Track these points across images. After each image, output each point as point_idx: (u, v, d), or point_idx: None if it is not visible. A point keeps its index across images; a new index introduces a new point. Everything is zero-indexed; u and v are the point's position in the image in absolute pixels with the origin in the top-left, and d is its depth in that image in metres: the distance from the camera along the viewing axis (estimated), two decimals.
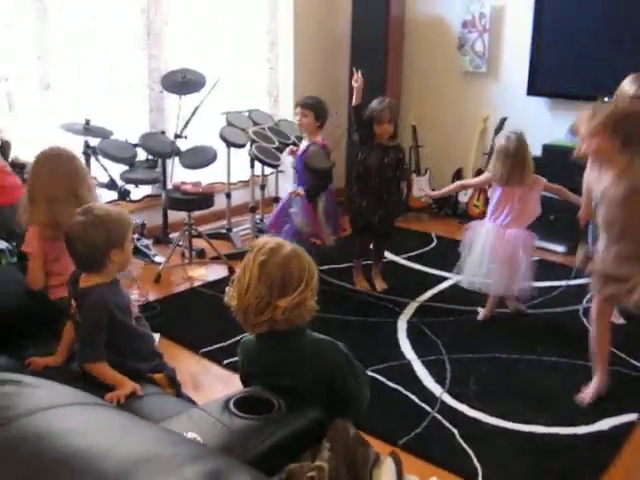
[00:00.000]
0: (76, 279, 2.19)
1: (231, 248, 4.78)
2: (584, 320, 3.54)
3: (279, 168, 5.03)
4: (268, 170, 5.15)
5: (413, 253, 4.76)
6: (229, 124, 4.83)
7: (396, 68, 5.77)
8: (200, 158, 4.56)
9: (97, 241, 2.10)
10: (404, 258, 4.65)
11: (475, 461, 2.50)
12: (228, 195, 4.93)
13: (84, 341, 2.11)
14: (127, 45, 4.65)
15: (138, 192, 4.65)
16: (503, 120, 5.29)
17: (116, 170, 4.29)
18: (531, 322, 3.73)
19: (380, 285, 4.12)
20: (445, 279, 4.28)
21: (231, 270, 4.26)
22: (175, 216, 4.75)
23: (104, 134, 4.23)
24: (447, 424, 2.73)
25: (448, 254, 4.71)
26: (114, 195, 4.33)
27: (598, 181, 2.78)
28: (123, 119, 4.60)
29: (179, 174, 4.69)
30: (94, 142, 4.20)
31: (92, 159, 4.20)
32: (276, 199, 5.07)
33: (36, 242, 2.58)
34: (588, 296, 3.38)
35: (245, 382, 1.96)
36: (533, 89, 5.16)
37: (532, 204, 3.57)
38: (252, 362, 1.91)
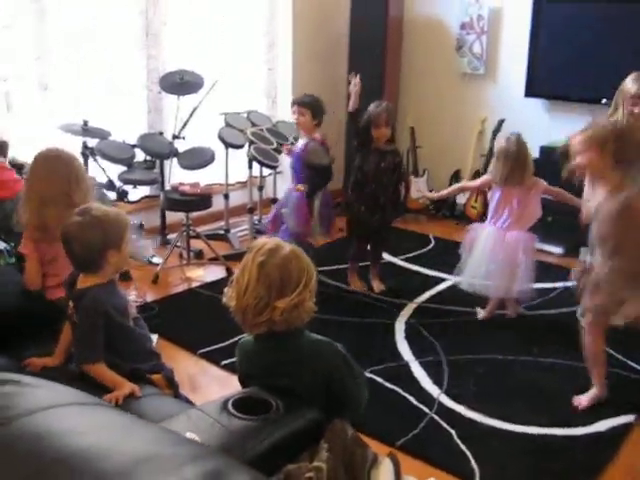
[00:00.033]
0: (73, 280, 2.20)
1: (229, 249, 4.78)
2: (581, 321, 3.54)
3: (277, 169, 5.03)
4: (266, 171, 5.16)
5: (411, 254, 4.77)
6: (227, 125, 4.83)
7: (394, 69, 5.78)
8: (198, 159, 4.56)
9: (93, 242, 2.10)
10: (402, 259, 4.66)
11: (473, 462, 2.50)
12: (226, 196, 4.93)
13: (82, 342, 2.11)
14: (125, 46, 4.64)
15: (136, 193, 4.65)
16: (501, 122, 5.30)
17: (114, 171, 4.29)
18: (528, 323, 3.73)
19: (378, 286, 4.12)
20: (443, 280, 4.28)
21: (229, 271, 4.27)
22: (173, 217, 4.75)
23: (102, 135, 4.23)
24: (445, 425, 2.74)
25: (446, 255, 4.73)
26: (112, 196, 4.32)
27: (592, 197, 2.79)
28: (121, 120, 4.60)
29: (177, 175, 4.69)
30: (92, 143, 4.20)
31: (90, 160, 4.20)
32: (274, 200, 5.07)
33: (30, 243, 2.58)
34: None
35: (243, 383, 1.96)
36: (531, 91, 5.18)
37: (532, 207, 3.58)
38: (250, 363, 1.91)
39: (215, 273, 4.36)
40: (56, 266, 2.57)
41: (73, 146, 3.74)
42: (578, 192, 3.07)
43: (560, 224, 4.33)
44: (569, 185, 3.04)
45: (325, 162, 3.91)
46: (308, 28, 5.66)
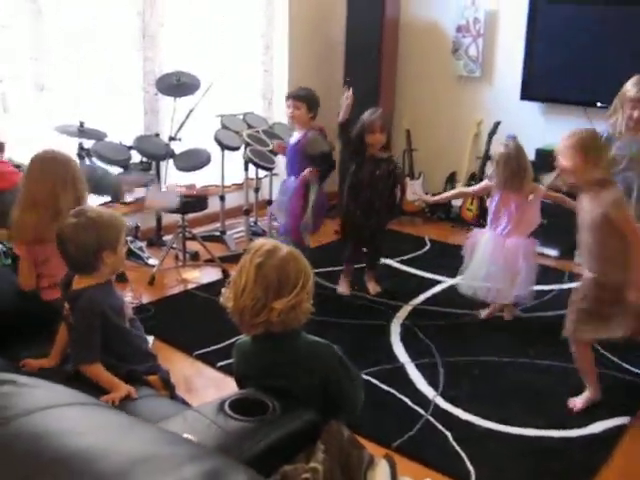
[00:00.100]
0: (69, 281, 2.20)
1: (225, 251, 4.78)
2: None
3: (273, 171, 5.03)
4: (262, 173, 5.15)
5: (406, 257, 4.77)
6: (223, 127, 4.83)
7: (390, 72, 5.79)
8: (194, 161, 4.56)
9: (88, 243, 2.10)
10: (397, 261, 4.66)
11: (468, 464, 2.51)
12: (222, 198, 4.93)
13: (78, 343, 2.11)
14: (122, 47, 4.65)
15: (132, 194, 4.64)
16: (497, 124, 5.31)
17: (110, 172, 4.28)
18: (524, 325, 3.74)
19: (373, 288, 4.12)
20: (438, 282, 4.29)
21: (225, 273, 4.26)
22: (169, 218, 4.75)
23: (98, 136, 4.23)
24: (440, 427, 2.74)
25: (441, 258, 4.75)
26: (108, 197, 4.31)
27: (579, 205, 2.80)
28: (117, 121, 4.60)
29: (173, 176, 4.70)
30: (88, 144, 4.19)
31: (86, 161, 4.19)
32: (270, 202, 5.08)
33: (23, 244, 2.59)
34: None
35: (240, 383, 1.96)
36: (526, 94, 5.20)
37: (532, 213, 3.60)
38: (247, 363, 1.92)
39: (211, 275, 4.36)
40: (50, 267, 2.57)
41: (69, 147, 3.74)
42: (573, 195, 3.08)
43: (556, 227, 4.34)
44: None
45: (326, 149, 3.89)
46: (305, 30, 5.67)
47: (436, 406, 2.90)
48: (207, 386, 3.11)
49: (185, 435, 1.46)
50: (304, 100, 3.91)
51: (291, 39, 5.58)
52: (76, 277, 2.18)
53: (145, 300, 3.90)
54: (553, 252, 4.76)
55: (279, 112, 5.56)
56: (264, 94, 5.69)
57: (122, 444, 0.98)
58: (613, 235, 2.66)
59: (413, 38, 5.80)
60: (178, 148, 4.60)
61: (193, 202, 4.30)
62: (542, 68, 5.09)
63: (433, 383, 3.08)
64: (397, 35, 5.80)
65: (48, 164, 2.58)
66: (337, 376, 1.82)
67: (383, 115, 3.86)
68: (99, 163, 4.19)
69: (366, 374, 3.07)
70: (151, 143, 4.58)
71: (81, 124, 4.12)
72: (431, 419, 2.80)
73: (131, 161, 4.39)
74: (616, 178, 3.02)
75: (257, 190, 5.13)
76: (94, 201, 3.69)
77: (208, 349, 3.34)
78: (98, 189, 3.62)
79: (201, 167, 4.55)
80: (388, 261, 4.59)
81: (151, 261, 4.45)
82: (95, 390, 1.96)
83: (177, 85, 4.55)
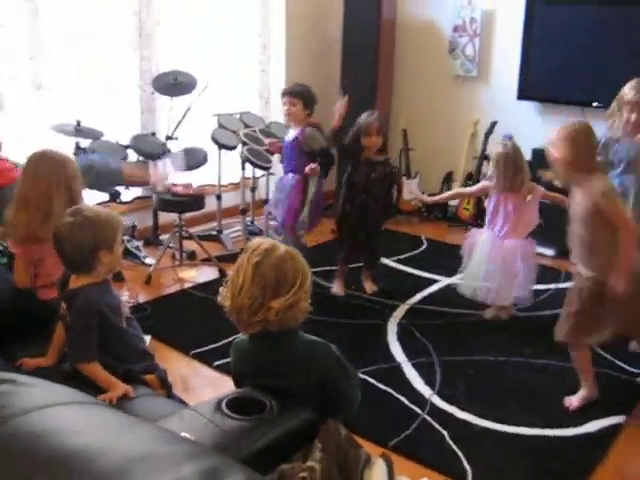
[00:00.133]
0: (66, 281, 2.20)
1: (222, 250, 4.78)
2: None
3: (270, 170, 5.03)
4: (259, 172, 5.16)
5: (403, 256, 4.78)
6: (220, 126, 4.83)
7: (387, 71, 5.80)
8: (191, 160, 4.56)
9: (85, 242, 2.10)
10: (394, 261, 4.67)
11: (465, 463, 2.51)
12: (219, 197, 4.93)
13: (76, 342, 2.11)
14: (119, 46, 4.64)
15: (128, 193, 4.64)
16: (493, 124, 5.32)
17: None
18: (520, 325, 3.75)
19: (370, 287, 4.13)
20: (435, 282, 4.30)
21: (222, 272, 4.26)
22: (165, 218, 4.75)
23: (95, 135, 4.23)
24: (437, 426, 2.75)
25: (438, 257, 4.76)
26: (105, 196, 4.31)
27: (572, 202, 2.81)
28: (114, 120, 4.59)
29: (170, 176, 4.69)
30: (85, 143, 4.19)
31: (84, 155, 4.17)
32: (266, 201, 5.08)
33: (18, 242, 2.59)
34: None
35: (237, 382, 1.96)
36: (523, 93, 5.21)
37: (530, 213, 3.61)
38: (245, 362, 1.92)
39: (207, 274, 4.36)
40: (45, 266, 2.58)
41: (66, 146, 3.73)
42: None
43: (552, 226, 4.34)
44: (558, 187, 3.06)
45: (324, 145, 3.86)
46: (301, 29, 5.67)
47: (433, 405, 2.90)
48: (204, 385, 3.11)
49: (182, 434, 1.46)
50: (300, 97, 3.86)
51: (288, 38, 5.58)
52: (73, 276, 2.18)
53: (142, 299, 3.90)
54: (549, 252, 4.77)
55: (276, 111, 5.55)
56: (261, 93, 5.69)
57: (120, 443, 0.98)
58: (604, 227, 2.66)
59: (410, 37, 5.80)
60: (175, 147, 4.59)
61: (190, 201, 4.30)
62: (539, 68, 5.10)
63: (430, 382, 3.09)
64: (394, 34, 5.81)
65: (43, 164, 2.58)
66: (334, 375, 1.83)
67: (380, 118, 3.86)
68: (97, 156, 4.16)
69: (363, 373, 3.07)
70: (147, 142, 4.58)
71: (78, 123, 4.11)
72: (428, 418, 2.80)
73: (128, 160, 4.38)
74: (613, 181, 3.03)
75: (254, 189, 5.14)
76: (91, 200, 3.68)
77: (205, 348, 3.34)
78: (98, 183, 3.61)
79: (198, 166, 4.55)
80: (385, 260, 4.59)
81: (148, 260, 4.44)
82: (92, 389, 1.97)
83: (174, 84, 4.55)
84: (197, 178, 4.69)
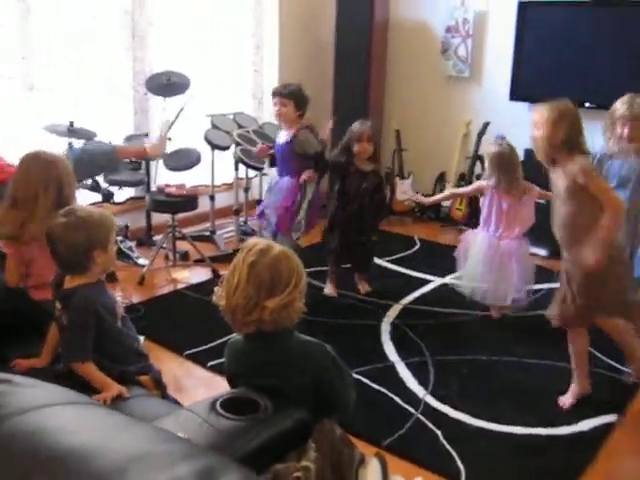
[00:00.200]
0: (60, 281, 2.19)
1: (215, 251, 4.78)
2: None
3: (263, 171, 5.04)
4: (252, 173, 5.16)
5: (396, 256, 4.79)
6: (214, 127, 4.84)
7: (380, 72, 5.81)
8: (184, 160, 4.56)
9: (78, 242, 2.10)
10: (387, 261, 4.68)
11: (458, 462, 2.52)
12: (212, 197, 4.93)
13: (71, 341, 2.10)
14: (112, 47, 4.64)
15: (122, 194, 4.64)
16: (486, 125, 5.34)
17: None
18: (513, 324, 3.76)
19: (364, 287, 4.13)
20: (428, 282, 4.31)
21: (215, 273, 4.26)
22: (159, 218, 4.74)
23: (88, 136, 4.21)
24: (430, 425, 2.75)
25: (431, 257, 4.77)
26: (98, 197, 4.31)
27: (553, 183, 2.82)
28: (107, 121, 4.58)
29: (163, 176, 4.69)
30: (78, 144, 4.17)
31: (75, 145, 4.16)
32: (260, 202, 5.07)
33: (9, 242, 2.59)
34: None
35: (232, 382, 1.97)
36: (515, 94, 5.22)
37: (525, 212, 3.62)
38: (239, 362, 1.92)
39: (201, 275, 4.36)
40: (36, 266, 2.57)
41: (58, 147, 3.72)
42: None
43: (545, 226, 4.36)
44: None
45: (319, 148, 3.83)
46: (294, 30, 5.68)
47: (426, 405, 2.91)
48: (197, 386, 3.11)
49: (179, 434, 1.46)
50: (291, 97, 3.78)
51: (281, 39, 5.59)
52: (67, 277, 2.17)
53: (135, 300, 3.89)
54: (542, 252, 4.78)
55: (269, 112, 5.55)
56: (254, 94, 5.70)
57: (117, 442, 0.99)
58: (586, 203, 2.66)
59: (402, 38, 5.82)
60: (168, 148, 4.58)
61: (183, 202, 4.30)
62: (531, 68, 5.12)
63: (423, 382, 3.10)
64: (386, 35, 5.82)
65: (35, 165, 2.58)
66: (329, 376, 1.83)
67: (372, 126, 3.88)
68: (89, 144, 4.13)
69: (357, 373, 3.08)
70: (141, 143, 4.57)
71: (71, 123, 4.11)
72: (421, 418, 2.81)
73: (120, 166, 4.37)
74: None
75: (247, 190, 5.14)
76: (84, 201, 3.67)
77: (198, 349, 3.34)
78: (95, 167, 3.59)
79: (191, 167, 4.55)
80: (378, 260, 4.60)
81: (141, 261, 4.44)
82: (86, 390, 1.96)
83: (167, 85, 4.55)
84: (190, 178, 4.69)
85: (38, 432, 0.97)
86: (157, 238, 4.72)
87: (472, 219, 5.10)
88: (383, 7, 5.68)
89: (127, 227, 4.65)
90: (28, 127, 4.13)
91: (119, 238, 4.36)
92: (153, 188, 4.58)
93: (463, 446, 2.61)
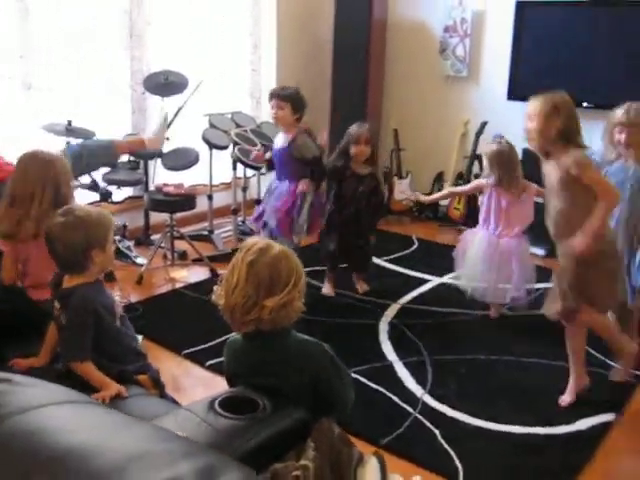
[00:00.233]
0: (59, 281, 2.19)
1: (213, 250, 4.78)
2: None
3: (261, 170, 5.03)
4: (250, 172, 5.16)
5: (394, 255, 4.79)
6: (212, 126, 4.83)
7: (378, 72, 5.81)
8: (182, 160, 4.56)
9: (76, 242, 2.10)
10: (385, 260, 4.68)
11: (457, 461, 2.52)
12: (210, 197, 4.93)
13: (70, 340, 2.10)
14: (110, 46, 4.64)
15: (120, 193, 4.64)
16: (484, 124, 5.35)
17: (98, 171, 4.27)
18: (511, 324, 3.77)
19: (362, 287, 4.14)
20: (426, 281, 4.31)
21: (213, 272, 4.27)
22: (157, 218, 4.74)
23: (86, 135, 4.20)
24: (429, 425, 2.76)
25: (429, 257, 4.77)
26: (96, 196, 4.30)
27: (546, 176, 2.82)
28: (105, 120, 4.58)
29: (161, 176, 4.69)
30: (75, 143, 4.17)
31: (73, 141, 4.16)
32: (258, 201, 5.07)
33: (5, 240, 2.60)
34: None
35: (230, 381, 1.97)
36: (513, 93, 5.22)
37: (524, 210, 3.62)
38: (238, 361, 1.92)
39: (199, 274, 4.36)
40: (31, 265, 2.58)
41: (57, 146, 3.72)
42: None
43: (542, 225, 4.37)
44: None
45: (317, 153, 3.82)
46: (292, 29, 5.68)
47: (424, 404, 2.91)
48: (195, 385, 3.11)
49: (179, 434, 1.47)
50: (288, 100, 3.73)
51: (279, 38, 5.59)
52: (66, 276, 2.18)
53: (133, 299, 3.89)
54: (540, 251, 4.79)
55: (267, 111, 5.55)
56: (252, 93, 5.70)
57: (116, 441, 0.99)
58: (577, 195, 2.66)
59: (401, 38, 5.82)
60: (166, 147, 4.59)
61: (181, 201, 4.30)
62: (529, 68, 5.13)
63: (421, 381, 3.10)
64: (385, 35, 5.83)
65: (33, 164, 2.58)
66: (327, 375, 1.83)
67: (370, 129, 3.88)
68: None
69: (355, 373, 3.08)
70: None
71: (69, 123, 4.10)
72: (419, 417, 2.81)
73: (119, 160, 4.37)
74: None
75: (245, 189, 5.14)
76: (82, 200, 3.67)
77: (196, 348, 3.34)
78: (94, 162, 3.60)
79: (189, 166, 4.55)
80: (376, 260, 4.60)
81: (139, 260, 4.44)
82: (86, 389, 1.96)
83: (165, 84, 4.54)
84: (188, 178, 4.69)
85: (38, 431, 0.98)
86: (155, 237, 4.72)
87: (470, 218, 5.11)
88: (381, 6, 5.68)
89: (125, 226, 4.65)
90: (27, 126, 4.13)
91: (117, 237, 4.36)
92: (151, 187, 4.57)
93: (461, 445, 2.61)
